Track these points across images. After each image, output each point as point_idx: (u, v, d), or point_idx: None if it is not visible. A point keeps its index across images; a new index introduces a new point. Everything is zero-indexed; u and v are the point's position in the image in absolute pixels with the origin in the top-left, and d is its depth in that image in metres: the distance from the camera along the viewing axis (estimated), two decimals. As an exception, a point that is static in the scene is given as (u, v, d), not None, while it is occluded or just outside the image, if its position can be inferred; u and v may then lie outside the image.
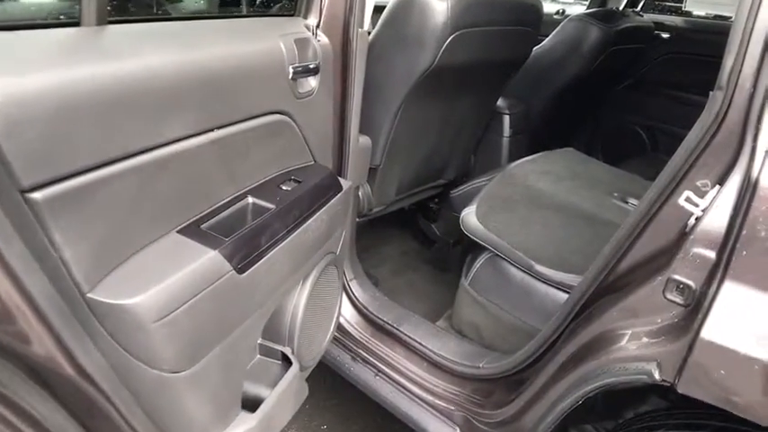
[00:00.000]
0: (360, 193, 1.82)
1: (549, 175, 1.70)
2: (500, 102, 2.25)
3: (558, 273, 1.42)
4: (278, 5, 1.30)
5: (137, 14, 0.94)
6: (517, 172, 1.70)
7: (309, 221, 1.18)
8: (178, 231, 0.93)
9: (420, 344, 1.57)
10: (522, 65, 2.02)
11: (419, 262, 2.47)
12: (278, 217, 1.08)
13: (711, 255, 0.88)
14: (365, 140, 1.67)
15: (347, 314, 1.73)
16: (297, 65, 1.14)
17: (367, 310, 1.70)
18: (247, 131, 1.04)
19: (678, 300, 0.93)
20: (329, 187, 1.28)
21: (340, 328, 1.70)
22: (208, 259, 0.89)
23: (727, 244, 0.85)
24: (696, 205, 0.93)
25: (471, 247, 1.65)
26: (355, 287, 1.74)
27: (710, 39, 2.77)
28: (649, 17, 2.76)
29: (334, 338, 1.68)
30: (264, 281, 1.07)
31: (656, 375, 0.91)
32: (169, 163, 0.88)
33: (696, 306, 0.89)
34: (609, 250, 1.11)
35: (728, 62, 0.91)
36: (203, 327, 0.93)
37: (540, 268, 1.44)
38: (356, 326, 1.73)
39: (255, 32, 1.09)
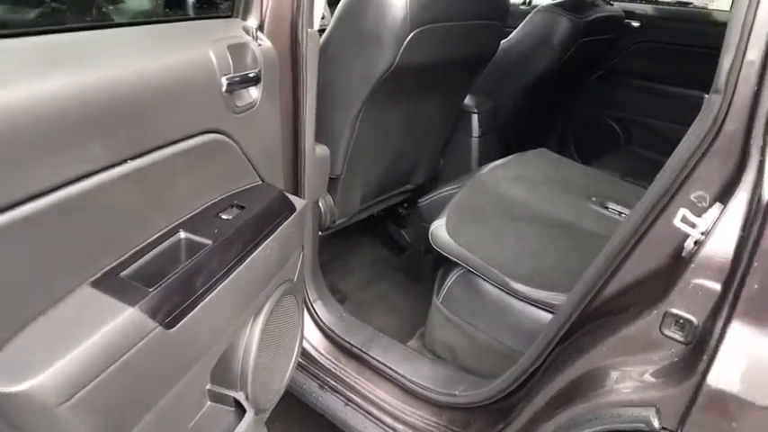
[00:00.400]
0: (321, 206, 1.68)
1: (521, 180, 1.58)
2: (467, 100, 2.12)
3: (536, 291, 1.30)
4: (212, 6, 1.14)
5: (25, 25, 0.77)
6: (488, 179, 1.58)
7: (257, 252, 1.04)
8: (91, 284, 0.78)
9: (391, 369, 1.44)
10: (490, 60, 1.89)
11: (390, 271, 2.34)
12: (217, 253, 0.93)
13: (716, 286, 0.76)
14: (323, 150, 1.53)
15: (312, 339, 1.59)
16: (232, 75, 0.98)
17: (333, 333, 1.56)
18: (175, 157, 0.88)
19: (677, 336, 0.81)
20: (280, 209, 1.13)
21: (305, 354, 1.56)
22: (125, 318, 0.74)
23: (735, 275, 0.73)
24: (694, 226, 0.81)
25: (442, 262, 1.53)
26: (320, 308, 1.60)
27: (680, 27, 2.70)
28: (619, 5, 2.65)
29: (300, 366, 1.54)
30: (204, 329, 0.92)
31: (656, 423, 0.80)
32: (76, 204, 0.73)
33: (699, 344, 0.78)
34: (594, 272, 0.99)
35: (726, 62, 0.80)
36: (126, 398, 0.78)
37: (516, 286, 1.32)
38: (323, 351, 1.59)
39: (179, 40, 0.93)
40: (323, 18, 1.89)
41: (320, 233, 1.79)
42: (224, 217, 1.00)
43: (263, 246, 1.05)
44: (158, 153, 0.84)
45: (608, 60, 2.71)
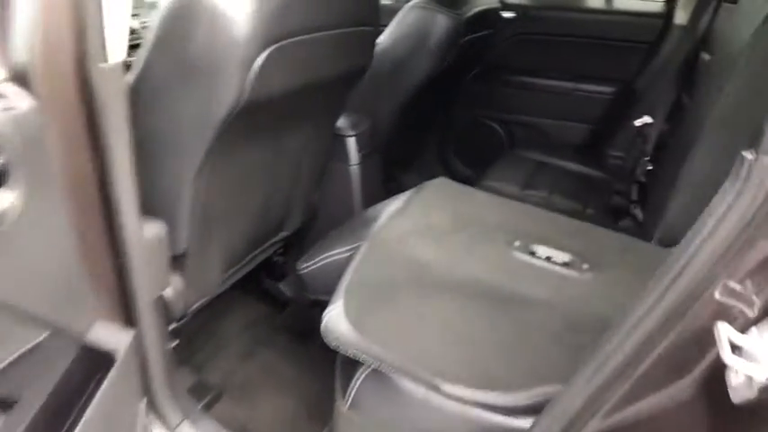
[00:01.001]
0: (167, 294, 1.23)
1: (429, 232, 1.24)
2: (341, 121, 1.75)
3: (477, 392, 0.97)
4: None
5: None
6: (389, 237, 1.21)
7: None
8: None
9: None
10: (365, 72, 1.53)
11: (272, 333, 1.93)
12: None
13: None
14: (155, 228, 1.08)
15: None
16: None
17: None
18: None
19: None
20: (85, 378, 0.69)
21: None
22: None
23: None
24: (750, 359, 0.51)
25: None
26: (185, 433, 1.17)
27: (556, 16, 2.52)
28: None
29: None
30: None
31: None
32: None
33: None
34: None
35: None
36: None
37: (449, 388, 0.97)
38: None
39: None
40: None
41: (175, 324, 1.34)
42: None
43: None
44: None
45: (485, 57, 2.46)
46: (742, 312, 0.59)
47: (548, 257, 1.25)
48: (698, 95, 1.58)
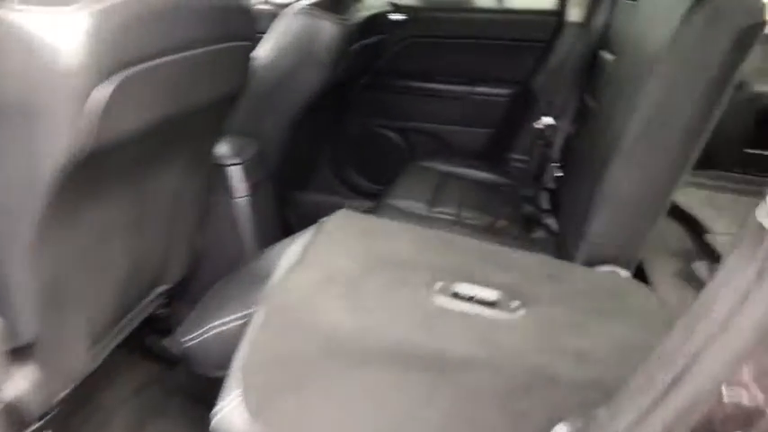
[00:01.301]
0: (7, 397, 0.96)
1: (336, 286, 1.04)
2: (222, 149, 1.51)
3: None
4: None
5: None
6: (288, 298, 1.00)
7: None
8: None
9: None
10: (241, 93, 1.31)
11: (163, 398, 1.65)
12: None
13: None
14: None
15: None
16: None
17: None
18: None
19: None
20: None
21: None
22: None
23: None
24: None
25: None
26: None
27: (446, 17, 2.40)
28: None
29: None
30: None
31: None
32: None
33: None
34: None
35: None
36: None
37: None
38: None
39: None
40: None
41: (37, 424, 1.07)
42: None
43: None
44: None
45: (377, 63, 2.29)
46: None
47: (473, 298, 1.09)
48: (605, 98, 1.50)
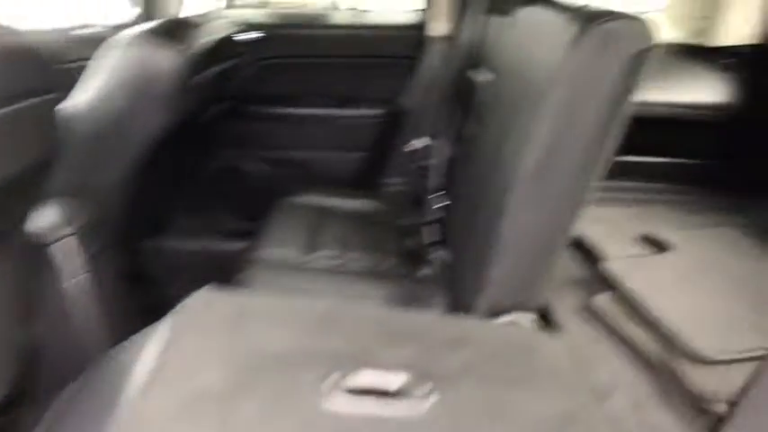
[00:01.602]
0: None
1: (203, 412, 0.81)
2: (41, 221, 1.20)
3: None
4: None
5: None
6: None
7: None
8: None
9: None
10: (57, 154, 1.03)
11: None
12: None
13: None
14: None
15: None
16: None
17: None
18: None
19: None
20: None
21: None
22: None
23: None
24: None
25: None
26: None
27: (304, 35, 2.20)
28: (235, 13, 1.98)
29: None
30: None
31: None
32: None
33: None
34: None
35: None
36: None
37: None
38: None
39: None
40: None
41: None
42: None
43: None
44: None
45: (229, 90, 2.04)
46: None
47: (376, 391, 0.92)
48: (491, 121, 1.39)
